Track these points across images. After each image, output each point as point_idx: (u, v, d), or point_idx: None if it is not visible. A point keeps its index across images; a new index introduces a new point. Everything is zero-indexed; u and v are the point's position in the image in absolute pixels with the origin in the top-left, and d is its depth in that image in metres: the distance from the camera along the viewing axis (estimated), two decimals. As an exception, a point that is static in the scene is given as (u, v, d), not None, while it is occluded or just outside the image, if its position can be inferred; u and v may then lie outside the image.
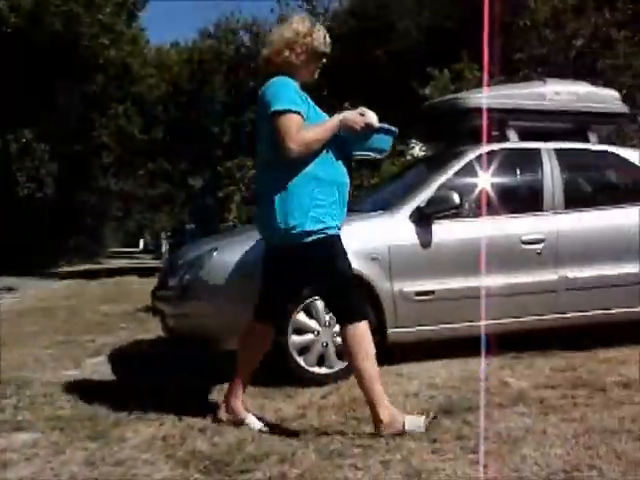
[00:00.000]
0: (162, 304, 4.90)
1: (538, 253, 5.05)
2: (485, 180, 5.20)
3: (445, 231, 4.88)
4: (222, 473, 2.99)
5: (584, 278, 5.18)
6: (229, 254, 4.59)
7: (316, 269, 3.45)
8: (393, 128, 3.62)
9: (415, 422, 3.37)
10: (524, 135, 5.52)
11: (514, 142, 5.47)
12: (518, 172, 5.42)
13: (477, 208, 5.10)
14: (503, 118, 5.44)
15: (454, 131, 5.71)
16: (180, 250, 5.72)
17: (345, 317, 3.45)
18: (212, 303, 4.48)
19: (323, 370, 4.57)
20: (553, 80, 6.11)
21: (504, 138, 5.46)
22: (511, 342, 4.97)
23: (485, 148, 5.23)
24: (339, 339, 4.46)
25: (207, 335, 4.54)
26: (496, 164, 5.22)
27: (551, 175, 5.30)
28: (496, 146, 5.33)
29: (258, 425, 3.61)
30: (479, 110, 5.33)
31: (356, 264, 4.48)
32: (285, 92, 3.43)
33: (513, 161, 5.35)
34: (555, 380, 4.36)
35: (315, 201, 3.41)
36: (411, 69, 11.65)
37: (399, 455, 3.06)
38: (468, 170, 5.15)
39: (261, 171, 3.65)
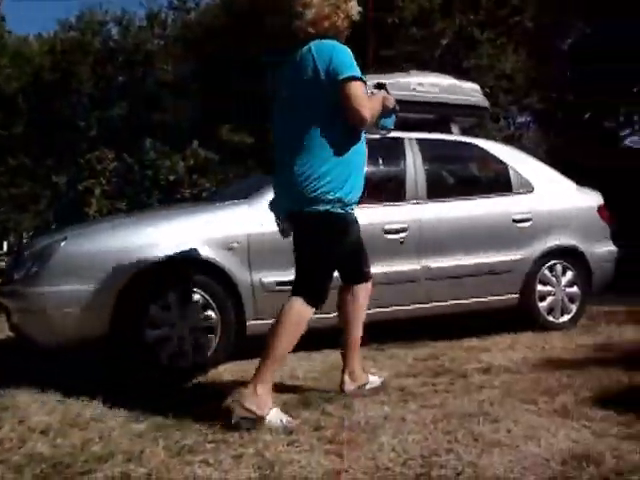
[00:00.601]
0: (7, 300, 4.55)
1: (401, 242, 5.01)
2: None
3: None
4: (61, 476, 2.76)
5: (446, 268, 5.19)
6: (80, 243, 4.30)
7: (341, 237, 3.46)
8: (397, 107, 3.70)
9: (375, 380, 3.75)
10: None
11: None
12: (380, 161, 5.36)
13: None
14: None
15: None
16: (29, 242, 5.34)
17: (358, 278, 3.75)
18: (59, 295, 4.17)
19: (180, 365, 4.35)
20: (417, 72, 6.14)
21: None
22: (376, 333, 4.90)
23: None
24: (195, 334, 4.33)
25: (55, 332, 4.23)
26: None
27: (414, 165, 5.29)
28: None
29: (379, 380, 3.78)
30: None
31: (212, 253, 4.34)
32: (351, 59, 3.34)
33: (375, 150, 5.27)
34: (417, 369, 4.34)
35: (359, 173, 3.48)
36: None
37: (252, 448, 2.91)
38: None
39: (299, 138, 3.37)
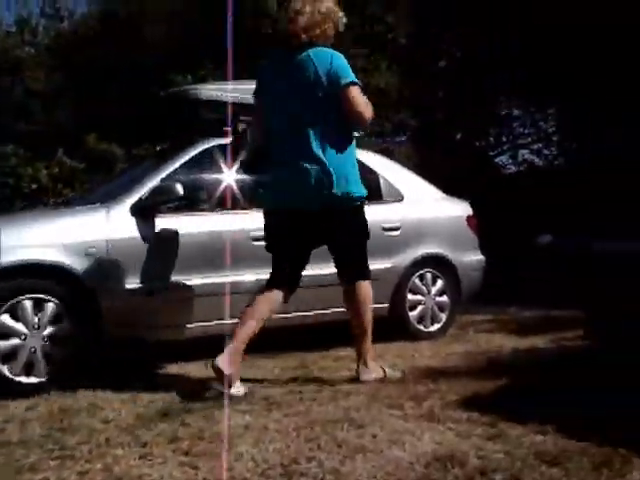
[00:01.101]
0: None
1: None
2: (213, 174, 4.97)
3: (169, 225, 4.55)
4: None
5: (313, 276, 5.06)
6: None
7: (352, 229, 3.85)
8: None
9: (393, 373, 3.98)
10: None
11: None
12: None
13: (204, 202, 4.85)
14: (236, 112, 5.22)
15: (188, 122, 5.41)
16: None
17: (359, 275, 3.89)
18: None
19: (32, 379, 4.04)
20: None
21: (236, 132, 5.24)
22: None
23: (214, 142, 4.99)
24: (49, 344, 4.04)
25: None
26: (224, 159, 4.99)
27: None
28: (226, 140, 5.11)
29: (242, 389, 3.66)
30: (211, 102, 5.11)
31: (68, 259, 4.09)
32: (348, 64, 3.72)
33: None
34: (284, 378, 4.21)
35: (358, 170, 3.86)
36: (153, 75, 11.25)
37: (100, 464, 2.70)
38: (195, 164, 4.89)
39: (302, 138, 3.70)
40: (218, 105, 5.14)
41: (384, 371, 4.00)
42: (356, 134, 4.05)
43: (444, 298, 5.75)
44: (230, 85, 5.44)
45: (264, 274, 4.70)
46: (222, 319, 4.33)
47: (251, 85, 5.51)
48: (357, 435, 2.94)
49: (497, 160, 15.13)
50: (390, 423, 3.12)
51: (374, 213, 5.44)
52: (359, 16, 10.85)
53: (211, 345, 3.93)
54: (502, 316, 6.66)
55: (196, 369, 4.49)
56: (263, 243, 4.71)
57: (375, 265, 5.29)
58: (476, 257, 5.96)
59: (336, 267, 4.01)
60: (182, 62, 11.72)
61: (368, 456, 2.70)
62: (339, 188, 3.71)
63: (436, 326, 5.69)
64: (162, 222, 4.53)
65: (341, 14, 3.86)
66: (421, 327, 5.61)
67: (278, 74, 3.85)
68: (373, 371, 3.96)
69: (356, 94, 3.71)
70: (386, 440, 2.87)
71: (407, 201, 5.67)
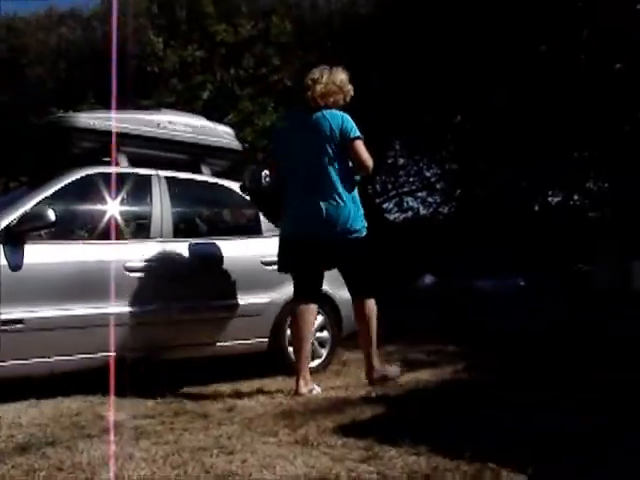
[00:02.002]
0: None
1: (142, 280, 4.73)
2: (88, 203, 4.83)
3: (39, 253, 4.35)
4: None
5: (191, 309, 4.96)
6: None
7: (358, 257, 4.56)
8: None
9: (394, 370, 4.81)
10: (139, 161, 5.23)
11: (124, 167, 5.14)
12: (126, 197, 5.06)
13: (78, 231, 4.68)
14: (113, 141, 5.09)
15: (63, 150, 5.22)
16: None
17: (366, 292, 4.64)
18: None
19: None
20: (168, 110, 5.98)
21: (114, 162, 5.11)
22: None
23: (89, 170, 4.85)
24: None
25: None
26: (102, 188, 4.86)
27: (160, 203, 5.05)
28: (102, 169, 4.98)
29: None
30: (87, 131, 4.99)
31: None
32: (353, 123, 4.53)
33: (121, 186, 5.01)
34: (157, 410, 4.02)
35: (361, 207, 4.62)
36: (35, 111, 10.95)
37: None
38: (69, 192, 4.70)
39: (317, 180, 4.47)
40: (95, 134, 5.01)
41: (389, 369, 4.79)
42: (357, 178, 4.67)
43: (325, 333, 5.70)
44: (111, 114, 5.34)
45: (138, 306, 4.59)
46: (92, 353, 4.14)
47: (132, 115, 5.46)
48: (226, 461, 2.85)
49: (384, 206, 15.52)
50: (262, 449, 3.04)
51: (253, 247, 5.45)
52: (245, 58, 10.96)
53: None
54: (387, 352, 6.65)
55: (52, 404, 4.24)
56: (138, 274, 4.62)
57: (255, 299, 5.29)
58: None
59: (347, 287, 4.76)
60: (65, 98, 11.52)
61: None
62: (348, 223, 4.47)
63: (317, 361, 5.62)
64: (32, 250, 4.31)
65: (350, 87, 4.68)
66: None
67: (296, 129, 4.65)
68: (383, 371, 4.72)
69: (361, 147, 4.51)
70: (257, 465, 2.80)
71: (288, 235, 5.62)
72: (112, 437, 3.30)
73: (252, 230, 5.58)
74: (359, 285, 4.71)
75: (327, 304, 5.72)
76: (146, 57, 10.63)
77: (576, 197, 12.56)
